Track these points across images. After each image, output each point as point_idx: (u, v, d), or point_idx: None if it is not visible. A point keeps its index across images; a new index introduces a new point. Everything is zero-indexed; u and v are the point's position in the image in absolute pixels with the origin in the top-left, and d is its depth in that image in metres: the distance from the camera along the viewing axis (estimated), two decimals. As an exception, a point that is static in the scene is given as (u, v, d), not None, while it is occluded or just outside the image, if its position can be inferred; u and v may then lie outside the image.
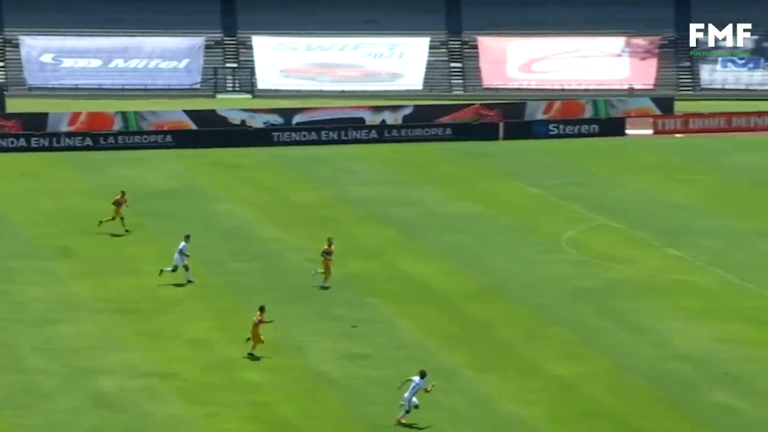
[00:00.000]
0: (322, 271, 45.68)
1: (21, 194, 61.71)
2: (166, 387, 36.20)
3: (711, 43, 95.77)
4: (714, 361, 38.24)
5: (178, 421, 33.97)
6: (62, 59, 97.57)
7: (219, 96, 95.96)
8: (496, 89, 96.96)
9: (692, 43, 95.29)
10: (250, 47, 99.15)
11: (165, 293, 45.16)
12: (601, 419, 33.89)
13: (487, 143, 77.30)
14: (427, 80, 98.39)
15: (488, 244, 52.74)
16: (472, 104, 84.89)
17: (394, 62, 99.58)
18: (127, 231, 52.75)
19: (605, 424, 33.57)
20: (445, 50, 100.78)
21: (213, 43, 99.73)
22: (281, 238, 51.94)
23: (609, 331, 41.43)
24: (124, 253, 50.57)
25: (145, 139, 75.77)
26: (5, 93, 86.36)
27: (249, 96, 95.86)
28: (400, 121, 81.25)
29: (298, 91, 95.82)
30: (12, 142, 74.27)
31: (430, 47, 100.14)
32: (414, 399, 33.66)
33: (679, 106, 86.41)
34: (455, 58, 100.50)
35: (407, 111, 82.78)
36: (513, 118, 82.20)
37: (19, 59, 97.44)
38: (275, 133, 78.15)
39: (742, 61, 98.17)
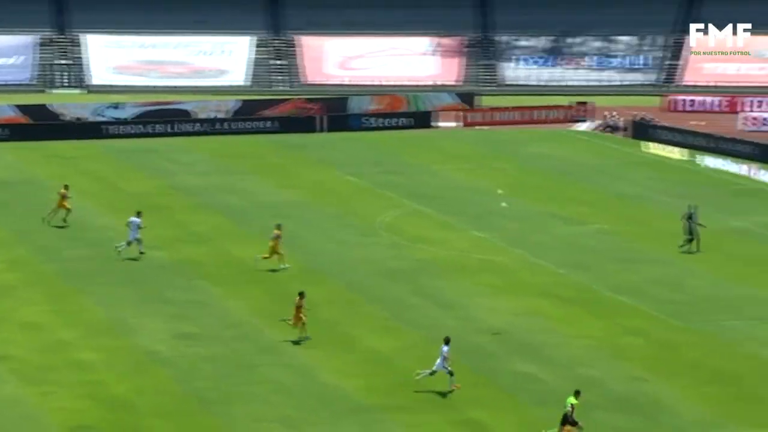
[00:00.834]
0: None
1: None
2: (1, 369, 35.34)
3: (516, 44, 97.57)
4: (514, 333, 39.04)
5: (13, 401, 33.27)
6: None
7: (52, 91, 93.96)
8: (317, 85, 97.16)
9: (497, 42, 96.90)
10: (81, 45, 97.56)
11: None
12: (414, 388, 34.27)
13: (308, 135, 77.58)
14: (252, 76, 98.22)
15: (310, 228, 52.86)
16: (294, 99, 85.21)
17: (221, 59, 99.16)
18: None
19: (418, 394, 33.97)
20: (268, 48, 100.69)
21: (47, 41, 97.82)
22: (115, 225, 51.19)
23: (420, 307, 41.96)
24: (-38, 241, 49.21)
25: (-22, 133, 73.89)
26: None
27: (81, 91, 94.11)
28: (228, 115, 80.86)
29: (129, 86, 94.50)
30: None
31: (254, 45, 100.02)
32: (446, 366, 33.50)
33: (484, 101, 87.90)
34: (278, 55, 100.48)
35: (234, 105, 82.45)
36: (334, 111, 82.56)
37: None
38: (108, 127, 76.89)
39: (538, 59, 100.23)
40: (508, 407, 33.03)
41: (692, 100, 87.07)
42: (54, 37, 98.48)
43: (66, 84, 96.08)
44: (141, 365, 36.06)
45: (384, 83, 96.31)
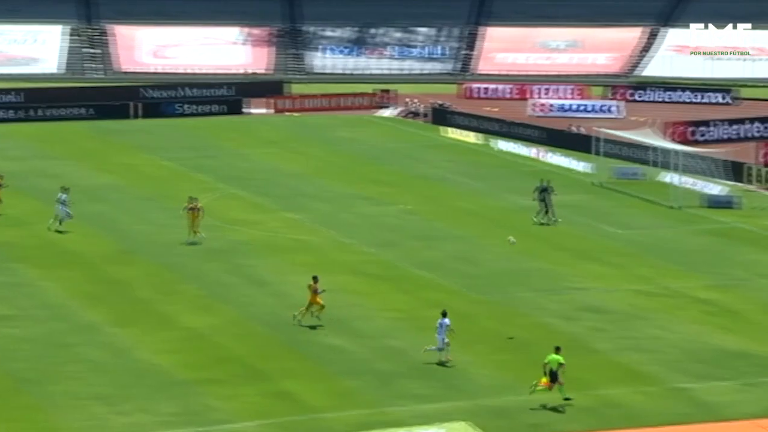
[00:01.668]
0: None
1: None
2: None
3: (323, 34, 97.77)
4: (326, 308, 38.91)
5: None
6: None
7: None
8: (131, 73, 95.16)
9: (305, 33, 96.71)
10: None
11: None
12: (229, 364, 33.88)
13: (124, 122, 75.95)
14: (65, 64, 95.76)
15: (126, 211, 51.71)
16: (111, 86, 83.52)
17: (33, 48, 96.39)
18: None
19: (233, 368, 33.58)
20: (81, 37, 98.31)
21: None
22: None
23: (235, 285, 41.48)
24: None
25: None
26: None
27: None
28: (43, 102, 78.56)
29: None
30: None
31: (67, 34, 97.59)
32: (445, 338, 33.21)
33: (293, 89, 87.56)
34: (91, 44, 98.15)
35: (49, 92, 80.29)
36: (147, 99, 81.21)
37: None
38: None
39: (344, 49, 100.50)
40: (318, 378, 32.93)
41: (486, 88, 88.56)
42: None
43: None
44: (-43, 348, 34.61)
45: (197, 72, 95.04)
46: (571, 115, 77.25)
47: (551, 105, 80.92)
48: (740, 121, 71.34)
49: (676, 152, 56.36)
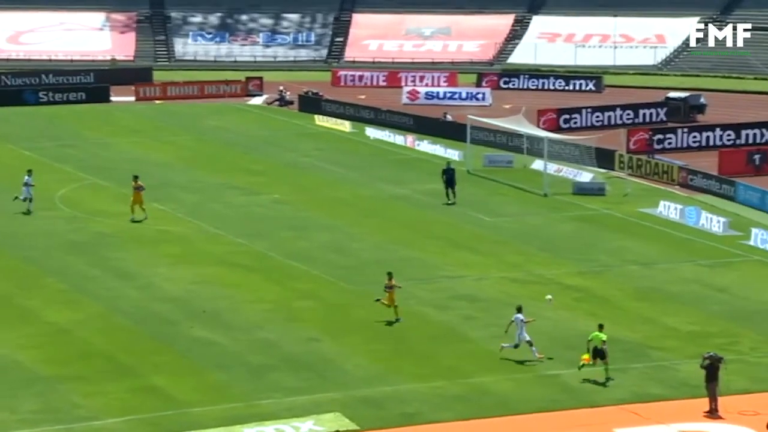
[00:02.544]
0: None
1: None
2: None
3: (188, 20, 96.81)
4: (193, 301, 38.66)
5: None
6: None
7: None
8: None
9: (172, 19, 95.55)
10: None
11: None
12: (94, 359, 33.41)
13: (-20, 110, 74.16)
14: None
15: (-16, 204, 50.55)
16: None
17: None
18: None
19: (98, 363, 33.13)
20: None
21: None
22: None
23: (99, 278, 40.89)
24: None
25: None
26: None
27: None
28: None
29: None
30: None
31: None
32: (525, 335, 33.07)
33: (158, 76, 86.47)
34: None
35: None
36: (7, 87, 79.45)
37: None
38: None
39: (211, 36, 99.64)
40: (187, 372, 32.68)
41: (357, 75, 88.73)
42: None
43: None
44: None
45: (59, 58, 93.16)
46: (442, 103, 77.94)
47: (426, 93, 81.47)
48: (610, 108, 72.75)
49: (547, 139, 57.32)
